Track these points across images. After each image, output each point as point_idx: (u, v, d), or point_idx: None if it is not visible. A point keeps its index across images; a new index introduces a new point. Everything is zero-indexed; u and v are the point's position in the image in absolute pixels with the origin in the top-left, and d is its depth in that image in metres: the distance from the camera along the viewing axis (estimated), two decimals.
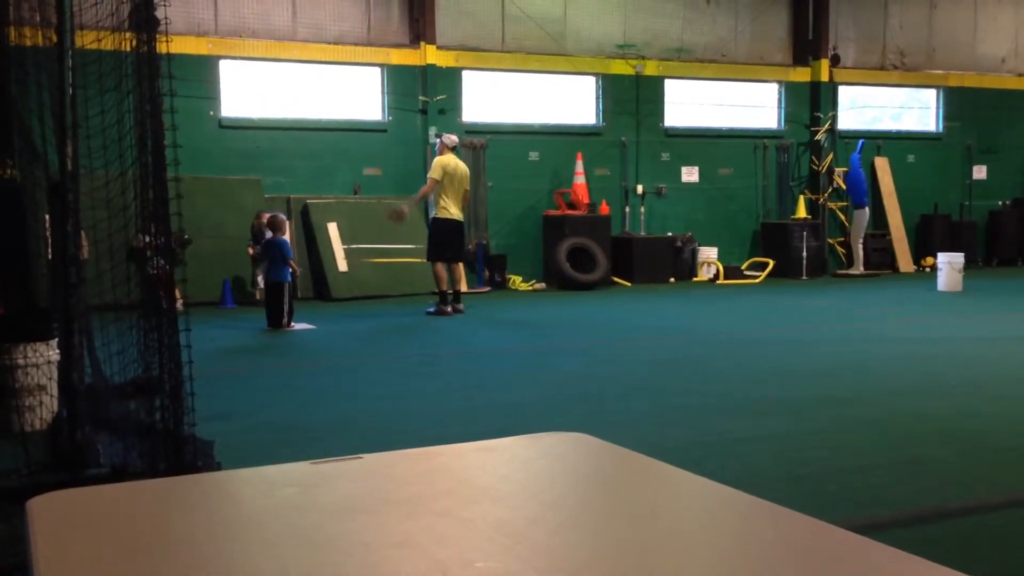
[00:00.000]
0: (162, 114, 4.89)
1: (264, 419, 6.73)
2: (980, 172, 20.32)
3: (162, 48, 4.88)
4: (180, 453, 4.73)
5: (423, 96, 15.78)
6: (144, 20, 4.92)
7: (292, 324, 11.29)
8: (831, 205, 18.81)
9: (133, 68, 5.13)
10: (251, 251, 13.36)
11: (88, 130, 5.32)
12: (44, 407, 5.89)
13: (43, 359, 6.01)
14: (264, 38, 14.90)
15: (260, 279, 13.25)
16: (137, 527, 1.63)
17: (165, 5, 4.84)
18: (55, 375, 5.81)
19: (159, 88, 4.88)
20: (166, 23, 4.88)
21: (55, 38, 5.07)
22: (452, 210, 12.41)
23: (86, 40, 5.44)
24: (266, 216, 12.77)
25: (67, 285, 4.95)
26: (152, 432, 4.84)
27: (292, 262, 11.57)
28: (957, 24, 20.02)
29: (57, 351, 5.76)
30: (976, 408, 6.93)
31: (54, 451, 5.06)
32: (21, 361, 5.95)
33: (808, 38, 18.60)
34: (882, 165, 19.31)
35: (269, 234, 11.86)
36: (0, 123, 6.16)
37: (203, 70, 14.36)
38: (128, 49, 5.14)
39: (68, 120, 4.94)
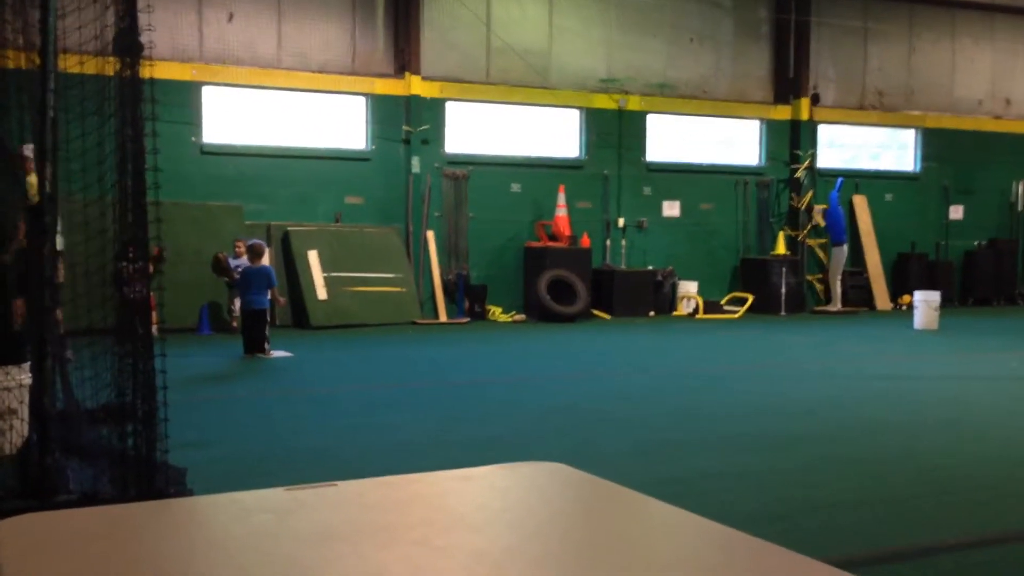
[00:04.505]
0: (143, 138, 4.88)
1: (239, 447, 6.66)
2: (957, 212, 20.55)
3: (145, 73, 4.88)
4: (152, 480, 4.67)
5: (407, 126, 15.82)
6: (128, 45, 4.92)
7: (271, 352, 11.20)
8: (810, 242, 18.95)
9: (116, 92, 5.12)
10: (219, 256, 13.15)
11: (68, 153, 5.29)
12: (14, 431, 5.80)
13: (15, 382, 5.92)
14: (249, 65, 14.93)
15: (235, 306, 13.16)
16: (107, 552, 1.60)
17: (150, 30, 4.85)
18: (26, 399, 5.73)
19: (141, 112, 4.87)
20: (150, 48, 4.89)
21: (38, 60, 5.06)
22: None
23: (69, 63, 5.43)
24: (245, 242, 12.69)
25: (41, 308, 4.90)
26: (124, 458, 4.78)
27: (276, 291, 11.51)
28: (935, 66, 20.33)
29: (29, 375, 5.69)
30: (952, 447, 6.95)
31: (23, 476, 4.98)
32: None
33: (789, 77, 18.83)
34: (860, 203, 19.50)
35: (244, 260, 11.79)
36: None
37: (186, 95, 14.36)
38: (111, 73, 5.13)
39: (48, 142, 4.91)
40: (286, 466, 6.11)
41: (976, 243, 20.62)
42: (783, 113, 18.89)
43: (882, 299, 19.09)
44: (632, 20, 17.50)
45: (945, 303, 16.09)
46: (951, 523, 5.11)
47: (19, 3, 6.27)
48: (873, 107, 19.80)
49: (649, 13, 17.62)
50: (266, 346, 11.13)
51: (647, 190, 17.79)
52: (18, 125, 6.21)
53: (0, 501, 4.65)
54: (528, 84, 16.72)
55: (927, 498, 5.60)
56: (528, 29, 16.77)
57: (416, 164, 15.82)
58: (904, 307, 18.50)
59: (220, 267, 12.78)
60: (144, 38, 4.89)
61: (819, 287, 18.98)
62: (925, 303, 15.09)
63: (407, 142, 15.86)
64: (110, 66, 5.17)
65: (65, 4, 5.32)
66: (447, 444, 6.82)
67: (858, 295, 18.88)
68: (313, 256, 14.62)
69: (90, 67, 5.48)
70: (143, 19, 4.94)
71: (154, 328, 5.15)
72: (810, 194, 18.81)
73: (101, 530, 1.72)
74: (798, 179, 18.85)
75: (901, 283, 19.36)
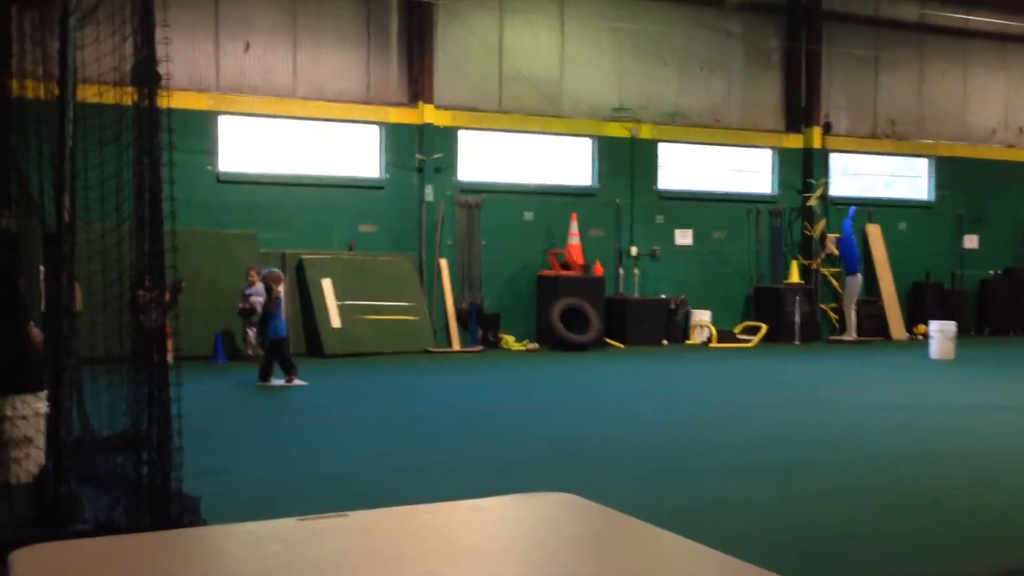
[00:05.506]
0: (160, 167, 4.93)
1: (253, 475, 6.67)
2: (971, 241, 20.47)
3: (162, 102, 4.94)
4: (166, 509, 4.68)
5: (420, 154, 15.91)
6: (146, 75, 4.99)
7: (293, 380, 11.15)
8: (824, 271, 18.90)
9: (133, 121, 5.18)
10: (243, 306, 13.26)
11: (86, 182, 5.35)
12: (30, 459, 5.83)
13: (31, 411, 5.95)
14: (264, 94, 15.07)
15: (252, 334, 13.19)
16: None
17: (167, 61, 4.91)
18: (43, 427, 5.76)
19: (158, 142, 4.93)
20: (167, 78, 4.95)
21: (57, 91, 5.13)
22: None
23: (88, 93, 5.50)
24: (259, 270, 12.71)
25: (59, 337, 4.94)
26: (138, 487, 4.79)
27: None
28: (947, 95, 20.34)
29: (46, 403, 5.72)
30: (966, 477, 6.89)
31: (39, 505, 5.00)
32: (9, 413, 5.90)
33: (801, 105, 18.87)
34: (874, 232, 19.45)
35: (259, 288, 11.81)
36: None
37: (203, 125, 14.49)
38: (129, 103, 5.20)
39: (67, 172, 4.97)
40: (299, 493, 6.11)
41: (991, 272, 20.52)
42: (795, 142, 18.91)
43: (897, 328, 18.99)
44: (644, 49, 17.60)
45: (961, 333, 15.99)
46: (967, 555, 5.06)
47: (39, 34, 6.38)
48: (886, 135, 19.80)
49: (660, 42, 17.72)
50: (294, 373, 11.13)
51: (660, 218, 17.81)
52: (37, 154, 6.29)
53: (15, 530, 4.66)
54: (540, 112, 16.81)
55: (943, 529, 5.55)
56: (540, 58, 16.88)
57: (429, 192, 15.90)
58: (920, 337, 18.39)
59: (252, 312, 12.88)
60: (161, 68, 4.96)
61: (833, 316, 18.90)
62: (941, 333, 15.01)
63: (420, 170, 15.94)
64: (128, 96, 5.23)
65: (84, 35, 5.40)
66: (459, 471, 6.81)
67: (873, 324, 18.79)
68: (327, 284, 14.67)
69: (108, 97, 5.56)
70: (161, 50, 5.01)
71: (169, 356, 5.18)
72: (823, 222, 18.78)
73: (115, 560, 1.73)
74: (811, 207, 18.83)
75: (916, 312, 19.26)
